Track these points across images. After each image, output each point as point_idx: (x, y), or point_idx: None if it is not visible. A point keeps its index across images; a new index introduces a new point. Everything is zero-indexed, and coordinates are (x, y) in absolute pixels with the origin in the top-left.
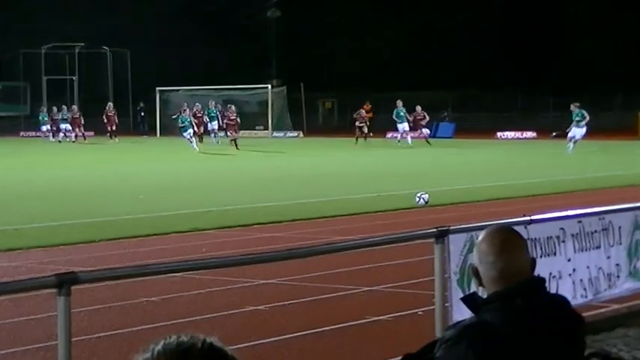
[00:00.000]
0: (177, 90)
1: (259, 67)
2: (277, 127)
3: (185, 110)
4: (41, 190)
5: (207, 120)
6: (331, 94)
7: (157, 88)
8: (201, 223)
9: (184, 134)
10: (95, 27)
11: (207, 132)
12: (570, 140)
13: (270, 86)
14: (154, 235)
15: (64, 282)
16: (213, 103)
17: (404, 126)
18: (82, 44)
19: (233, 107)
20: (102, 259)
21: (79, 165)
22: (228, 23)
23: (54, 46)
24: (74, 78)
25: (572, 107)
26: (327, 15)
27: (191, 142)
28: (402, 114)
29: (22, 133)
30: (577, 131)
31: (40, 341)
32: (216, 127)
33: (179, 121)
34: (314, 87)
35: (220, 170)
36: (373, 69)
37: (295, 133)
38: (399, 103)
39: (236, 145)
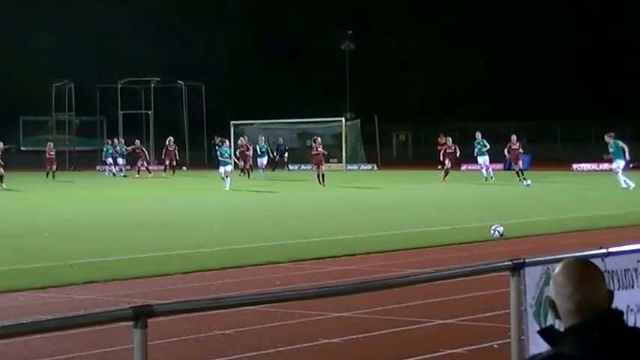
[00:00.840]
0: (252, 124)
1: (333, 99)
2: (351, 160)
3: (225, 142)
4: (115, 222)
5: (259, 154)
6: (405, 126)
7: (232, 122)
8: (274, 255)
9: (220, 168)
10: (170, 61)
11: (255, 166)
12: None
13: (344, 119)
14: (228, 267)
15: (141, 314)
16: (263, 138)
17: (485, 159)
18: (158, 79)
19: (319, 139)
20: (176, 292)
21: (149, 197)
22: (302, 56)
23: (130, 81)
24: (149, 112)
25: (606, 139)
26: (400, 47)
27: (224, 179)
28: (481, 146)
29: (98, 167)
30: (619, 162)
31: None
32: (265, 162)
33: (219, 153)
34: (388, 119)
35: (293, 203)
36: (447, 101)
37: (369, 166)
38: (479, 134)
39: (321, 180)
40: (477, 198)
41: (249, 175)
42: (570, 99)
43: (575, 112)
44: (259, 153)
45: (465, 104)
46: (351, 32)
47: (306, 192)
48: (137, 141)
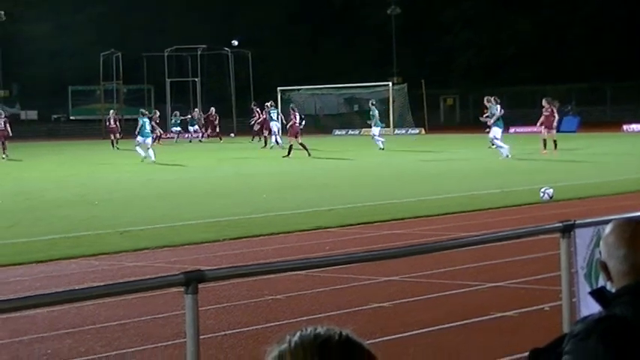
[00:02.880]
0: (298, 90)
1: (380, 65)
2: (399, 125)
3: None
4: (164, 191)
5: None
6: (453, 91)
7: (279, 88)
8: (323, 221)
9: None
10: (216, 29)
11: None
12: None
13: (391, 84)
14: (278, 233)
15: (191, 280)
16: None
17: (376, 130)
18: (204, 46)
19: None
20: (226, 258)
21: (198, 165)
22: (348, 22)
23: (176, 49)
24: (196, 80)
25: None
26: (446, 11)
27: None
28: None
29: None
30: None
31: (169, 339)
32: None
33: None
34: (435, 83)
35: (340, 170)
36: (495, 64)
37: (417, 131)
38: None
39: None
40: (526, 162)
41: (265, 143)
42: (619, 61)
43: (625, 74)
44: (274, 119)
45: (513, 68)
46: None
47: (354, 158)
48: (212, 109)
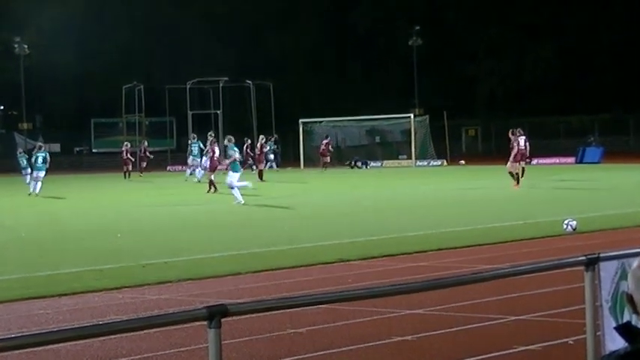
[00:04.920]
0: (320, 122)
1: (402, 95)
2: (421, 156)
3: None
4: (187, 223)
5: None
6: (475, 121)
7: (300, 120)
8: (346, 253)
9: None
10: (237, 61)
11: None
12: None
13: (412, 115)
14: (300, 266)
15: (215, 314)
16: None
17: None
18: (226, 78)
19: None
20: (249, 291)
21: (217, 197)
22: (370, 53)
23: (198, 81)
24: (218, 112)
25: None
26: (468, 41)
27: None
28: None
29: (168, 167)
30: None
31: None
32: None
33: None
34: (457, 114)
35: (363, 200)
36: (517, 94)
37: (439, 162)
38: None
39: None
40: (550, 192)
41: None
42: None
43: None
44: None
45: (536, 98)
46: (418, 28)
47: (375, 189)
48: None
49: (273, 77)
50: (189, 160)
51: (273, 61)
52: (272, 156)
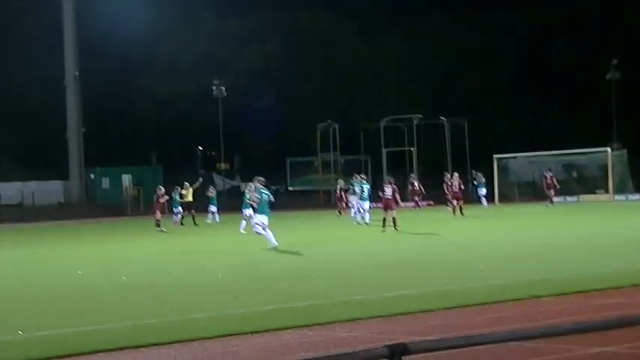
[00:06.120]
0: (515, 157)
1: (600, 131)
2: (619, 190)
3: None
4: (379, 262)
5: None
6: None
7: (495, 156)
8: (537, 290)
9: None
10: (432, 99)
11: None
12: None
13: (609, 149)
14: (490, 302)
15: (395, 353)
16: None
17: (364, 203)
18: (420, 116)
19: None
20: (438, 328)
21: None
22: (567, 88)
23: (392, 119)
24: (412, 149)
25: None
26: None
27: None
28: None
29: None
30: None
31: None
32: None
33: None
34: None
35: (556, 236)
36: None
37: (637, 196)
38: (357, 177)
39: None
40: None
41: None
42: None
43: None
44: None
45: None
46: (616, 62)
47: (570, 226)
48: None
49: (467, 114)
50: (352, 199)
51: (467, 97)
52: (484, 190)
